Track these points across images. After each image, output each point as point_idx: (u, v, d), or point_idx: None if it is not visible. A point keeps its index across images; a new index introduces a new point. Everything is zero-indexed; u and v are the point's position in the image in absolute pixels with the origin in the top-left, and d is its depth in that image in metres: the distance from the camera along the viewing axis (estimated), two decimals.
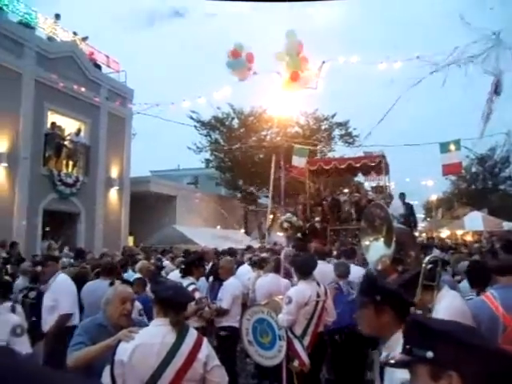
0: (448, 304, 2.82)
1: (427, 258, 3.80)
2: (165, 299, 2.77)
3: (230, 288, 5.71)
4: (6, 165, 14.06)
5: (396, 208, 10.04)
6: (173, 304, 2.74)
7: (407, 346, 1.33)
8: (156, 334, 2.68)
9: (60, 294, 5.33)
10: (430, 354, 1.23)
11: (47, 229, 16.32)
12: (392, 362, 1.44)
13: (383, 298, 2.20)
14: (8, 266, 9.00)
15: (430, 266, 3.58)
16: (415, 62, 8.97)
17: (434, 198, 39.03)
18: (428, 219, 37.05)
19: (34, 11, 16.00)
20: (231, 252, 11.27)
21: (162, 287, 2.93)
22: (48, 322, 5.30)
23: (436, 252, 8.76)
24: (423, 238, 16.79)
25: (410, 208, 12.25)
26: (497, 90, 7.09)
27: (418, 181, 30.52)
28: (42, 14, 16.36)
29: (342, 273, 5.69)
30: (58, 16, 17.24)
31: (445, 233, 24.78)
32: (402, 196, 12.29)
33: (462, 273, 5.42)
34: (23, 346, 3.77)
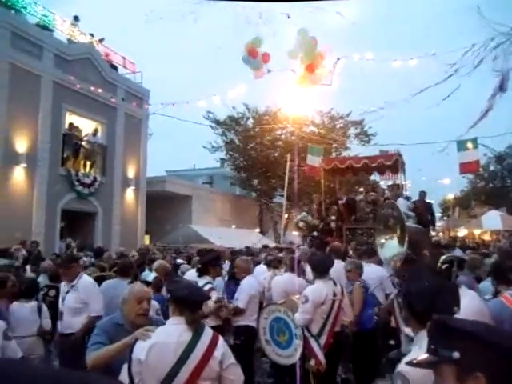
0: (465, 304, 2.79)
1: (442, 258, 3.78)
2: (180, 298, 2.79)
3: (247, 287, 5.72)
4: (25, 165, 14.32)
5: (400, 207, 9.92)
6: (188, 303, 2.76)
7: (432, 346, 1.31)
8: (172, 332, 2.70)
9: (90, 296, 5.13)
10: (456, 355, 1.21)
11: (65, 228, 16.57)
12: (416, 361, 1.41)
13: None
14: (28, 266, 9.20)
15: (445, 265, 3.56)
16: (431, 59, 8.88)
17: (450, 196, 38.51)
18: (445, 218, 36.59)
19: (51, 13, 16.24)
20: (248, 251, 11.30)
21: (177, 286, 2.95)
22: (73, 323, 5.08)
23: (458, 252, 8.65)
24: (440, 238, 16.60)
25: (429, 207, 12.13)
26: (502, 86, 6.95)
27: (434, 179, 30.12)
28: (59, 16, 16.60)
29: (361, 273, 5.64)
30: (76, 18, 17.50)
31: (462, 232, 24.48)
32: (423, 194, 12.18)
33: (483, 272, 5.35)
34: (14, 350, 3.88)
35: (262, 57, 6.96)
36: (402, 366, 1.95)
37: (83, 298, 5.07)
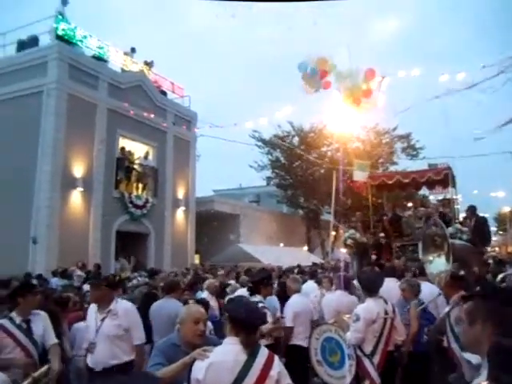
0: None
1: (500, 276, 3.70)
2: (236, 319, 2.78)
3: (292, 304, 5.78)
4: (81, 189, 15.07)
5: None
6: (244, 325, 2.74)
7: (495, 372, 1.24)
8: (228, 352, 2.72)
9: (132, 322, 4.52)
10: None
11: (119, 249, 17.18)
12: None
13: None
14: (84, 286, 9.60)
15: (504, 284, 3.49)
16: (481, 71, 8.70)
17: (506, 209, 36.73)
18: (500, 232, 34.90)
19: (105, 44, 17.20)
20: (300, 270, 11.31)
21: (234, 306, 2.93)
22: (113, 354, 4.39)
23: None
24: (496, 253, 15.90)
25: (482, 222, 11.66)
26: None
27: (487, 192, 28.90)
28: (113, 47, 17.54)
29: (418, 292, 5.52)
30: (133, 50, 18.44)
31: None
32: (472, 208, 11.67)
33: None
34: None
35: (325, 83, 7.03)
36: None
37: (125, 324, 4.43)
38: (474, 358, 2.36)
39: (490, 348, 1.38)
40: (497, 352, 1.30)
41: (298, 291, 6.00)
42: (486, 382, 1.26)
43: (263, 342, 4.79)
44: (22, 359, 4.10)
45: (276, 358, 2.82)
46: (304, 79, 7.08)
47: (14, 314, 4.22)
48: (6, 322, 4.13)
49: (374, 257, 10.81)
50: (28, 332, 4.20)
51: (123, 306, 4.58)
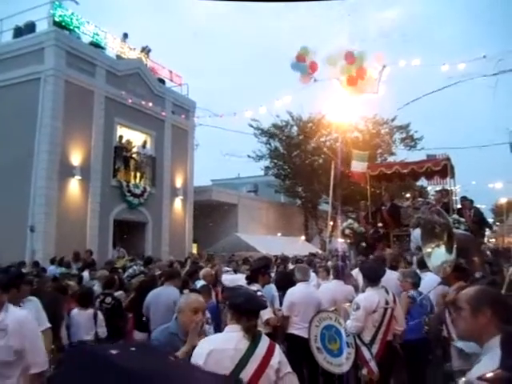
0: None
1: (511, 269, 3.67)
2: (236, 305, 2.83)
3: (289, 294, 5.80)
4: (79, 177, 14.99)
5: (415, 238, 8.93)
6: (244, 310, 2.79)
7: (508, 361, 1.22)
8: (229, 340, 2.73)
9: (30, 342, 3.28)
10: None
11: (117, 237, 17.16)
12: (485, 378, 1.30)
13: None
14: (85, 273, 9.62)
15: None
16: (481, 61, 8.66)
17: (503, 200, 36.76)
18: (497, 224, 35.00)
19: (103, 31, 17.01)
20: (296, 259, 11.33)
21: (234, 293, 3.00)
22: None
23: None
24: (495, 245, 15.96)
25: (479, 213, 11.67)
26: None
27: (485, 183, 28.84)
28: (110, 34, 17.36)
29: (415, 282, 5.51)
30: (125, 35, 18.23)
31: None
32: (467, 200, 11.61)
33: None
34: None
35: (310, 65, 7.06)
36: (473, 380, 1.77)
37: (17, 344, 3.16)
38: (466, 346, 2.34)
39: (502, 337, 1.35)
40: (509, 341, 1.27)
41: (303, 280, 5.96)
42: (498, 370, 1.24)
43: (262, 330, 4.82)
44: None
45: (277, 346, 2.84)
46: (293, 68, 7.10)
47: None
48: None
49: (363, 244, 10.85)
50: None
51: (16, 316, 3.25)
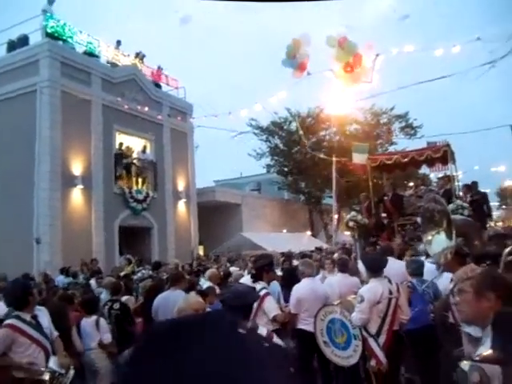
0: None
1: (507, 250, 3.66)
2: (223, 302, 3.05)
3: (296, 290, 5.79)
4: (81, 187, 15.05)
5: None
6: (229, 307, 2.94)
7: (499, 343, 1.24)
8: None
9: None
10: None
11: (123, 244, 17.22)
12: (481, 357, 1.32)
13: None
14: (91, 281, 9.68)
15: (510, 257, 3.44)
16: (476, 44, 8.60)
17: (508, 183, 36.56)
18: (503, 207, 34.83)
19: (96, 40, 17.05)
20: (303, 254, 11.34)
21: (225, 291, 3.26)
22: None
23: None
24: (500, 228, 15.89)
25: (483, 197, 11.63)
26: None
27: (488, 167, 28.70)
28: (104, 42, 17.40)
29: (415, 271, 5.52)
30: (118, 42, 18.28)
31: None
32: (475, 185, 11.60)
33: None
34: None
35: (300, 64, 7.04)
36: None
37: None
38: (474, 331, 2.35)
39: (494, 318, 1.38)
40: (501, 322, 1.30)
41: (309, 275, 5.95)
42: (490, 350, 1.26)
43: (270, 327, 4.83)
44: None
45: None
46: (284, 64, 7.10)
47: (21, 313, 4.28)
48: (16, 322, 4.20)
49: (372, 238, 10.82)
50: (38, 327, 4.32)
51: None
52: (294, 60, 7.00)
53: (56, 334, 4.59)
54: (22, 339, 4.14)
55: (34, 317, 4.37)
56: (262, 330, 3.54)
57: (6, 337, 4.07)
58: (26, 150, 14.44)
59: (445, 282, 4.98)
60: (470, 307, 2.11)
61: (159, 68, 20.04)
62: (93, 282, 9.51)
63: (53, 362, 4.10)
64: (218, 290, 6.70)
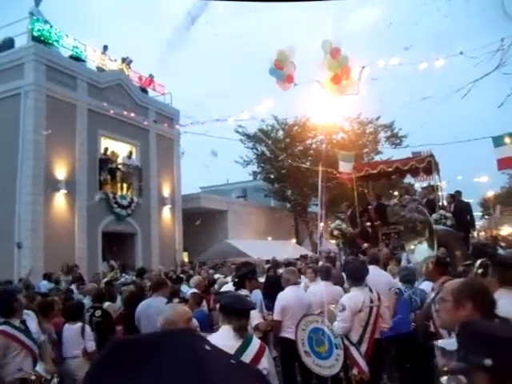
0: (506, 308, 2.72)
1: (478, 262, 3.69)
2: (225, 305, 3.02)
3: (280, 298, 5.77)
4: (65, 191, 14.88)
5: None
6: (233, 310, 2.95)
7: (462, 353, 1.24)
8: (219, 337, 2.86)
9: None
10: (488, 362, 1.12)
11: (106, 250, 17.04)
12: (447, 369, 1.36)
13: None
14: (73, 287, 9.56)
15: (480, 270, 3.48)
16: (459, 58, 8.73)
17: (490, 194, 37.11)
18: (486, 217, 35.32)
19: (83, 44, 16.95)
20: (288, 263, 11.35)
21: (224, 296, 3.27)
22: None
23: (500, 252, 8.34)
24: (482, 237, 16.09)
25: (466, 207, 11.80)
26: None
27: (470, 178, 29.13)
28: (90, 47, 17.30)
29: (405, 277, 5.50)
30: (105, 47, 18.20)
31: (505, 230, 23.59)
32: (458, 194, 11.77)
33: None
34: None
35: (287, 77, 7.05)
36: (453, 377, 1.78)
37: None
38: (448, 345, 2.37)
39: (459, 328, 1.39)
40: (464, 332, 1.31)
41: (294, 283, 5.93)
42: (455, 362, 1.30)
43: (255, 334, 4.82)
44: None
45: (266, 352, 2.98)
46: (271, 73, 7.11)
47: (10, 319, 4.27)
48: (6, 328, 4.20)
49: (365, 245, 10.84)
50: (27, 332, 4.36)
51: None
52: (281, 72, 7.01)
53: (43, 338, 4.64)
54: (14, 345, 4.17)
55: (23, 322, 4.40)
56: None
57: (1, 344, 4.08)
58: (9, 154, 14.25)
59: (425, 289, 5.03)
60: (448, 315, 2.14)
61: (151, 76, 20.00)
62: (73, 287, 9.39)
63: (40, 367, 4.17)
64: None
